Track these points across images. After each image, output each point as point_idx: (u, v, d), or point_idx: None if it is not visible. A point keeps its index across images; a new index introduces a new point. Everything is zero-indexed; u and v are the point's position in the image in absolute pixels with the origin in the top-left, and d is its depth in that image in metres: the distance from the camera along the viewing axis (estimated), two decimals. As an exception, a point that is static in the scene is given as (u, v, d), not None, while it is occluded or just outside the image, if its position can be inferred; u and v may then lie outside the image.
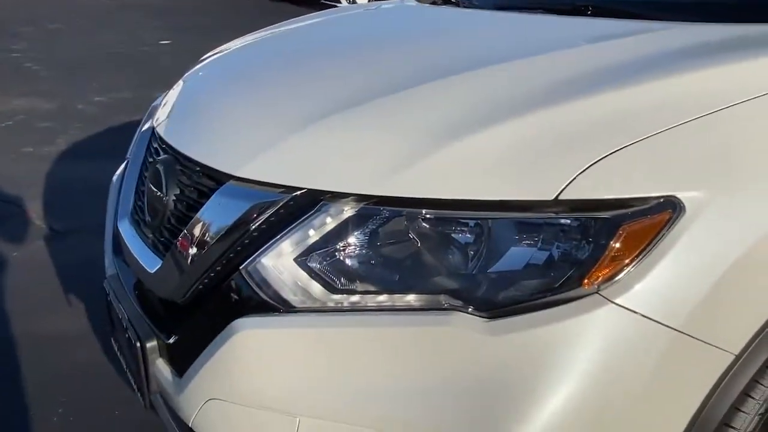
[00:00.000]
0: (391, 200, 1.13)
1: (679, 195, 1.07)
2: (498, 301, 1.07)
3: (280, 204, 1.19)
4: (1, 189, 3.81)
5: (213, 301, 1.25)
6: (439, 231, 1.13)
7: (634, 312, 1.04)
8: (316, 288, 1.15)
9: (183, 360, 1.28)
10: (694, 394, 1.10)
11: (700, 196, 1.07)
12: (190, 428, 1.26)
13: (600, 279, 1.05)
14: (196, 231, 1.30)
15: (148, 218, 1.51)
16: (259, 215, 1.21)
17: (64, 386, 2.20)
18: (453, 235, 1.13)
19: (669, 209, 1.06)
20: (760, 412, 1.19)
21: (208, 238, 1.27)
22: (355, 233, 1.15)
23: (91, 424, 2.05)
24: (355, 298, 1.14)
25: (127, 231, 1.59)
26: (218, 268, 1.24)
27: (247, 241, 1.21)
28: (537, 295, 1.06)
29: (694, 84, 1.19)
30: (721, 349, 1.09)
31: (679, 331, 1.06)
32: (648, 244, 1.06)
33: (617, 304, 1.04)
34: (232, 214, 1.24)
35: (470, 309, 1.08)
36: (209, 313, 1.26)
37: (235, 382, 1.19)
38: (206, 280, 1.26)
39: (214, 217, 1.29)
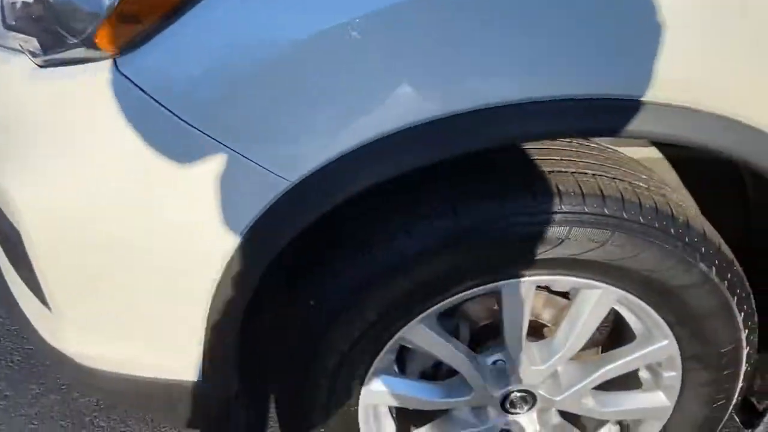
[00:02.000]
0: None
1: None
2: (49, 45, 0.90)
3: None
4: None
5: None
6: None
7: (148, 96, 0.85)
8: None
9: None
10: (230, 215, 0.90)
11: None
12: None
13: (114, 41, 0.85)
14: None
15: None
16: None
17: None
18: None
19: None
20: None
21: None
22: None
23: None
24: None
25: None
26: None
27: None
28: (62, 45, 0.89)
29: None
30: (264, 168, 0.86)
31: (201, 132, 0.85)
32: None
33: (128, 78, 0.85)
34: None
35: (33, 50, 0.95)
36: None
37: None
38: None
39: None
